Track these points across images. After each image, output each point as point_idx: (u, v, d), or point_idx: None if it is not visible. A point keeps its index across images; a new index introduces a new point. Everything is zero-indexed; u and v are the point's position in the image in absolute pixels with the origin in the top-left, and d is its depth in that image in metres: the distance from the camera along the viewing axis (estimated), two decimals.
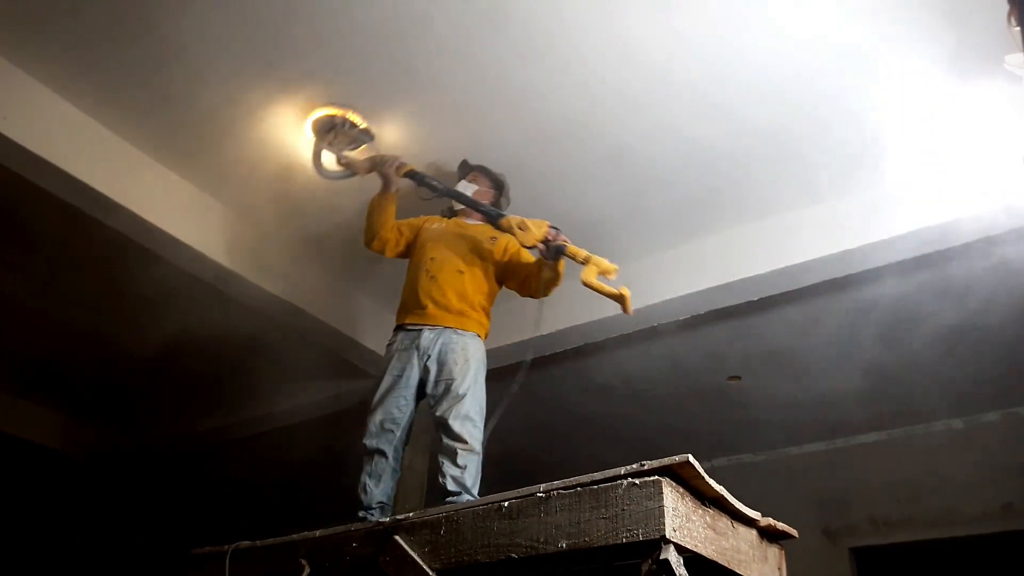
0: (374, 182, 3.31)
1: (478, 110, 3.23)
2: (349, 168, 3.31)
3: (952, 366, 4.63)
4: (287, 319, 4.24)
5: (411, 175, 3.25)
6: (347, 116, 3.22)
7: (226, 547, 2.60)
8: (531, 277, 3.04)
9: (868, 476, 5.39)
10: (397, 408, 2.93)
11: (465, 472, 2.71)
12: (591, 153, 3.40)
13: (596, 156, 3.42)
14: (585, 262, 2.75)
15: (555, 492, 1.90)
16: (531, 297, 3.09)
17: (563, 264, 2.92)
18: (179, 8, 2.86)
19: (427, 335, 2.97)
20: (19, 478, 6.02)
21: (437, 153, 3.43)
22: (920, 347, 4.47)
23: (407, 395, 2.94)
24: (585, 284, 2.73)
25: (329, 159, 3.33)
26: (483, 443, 2.81)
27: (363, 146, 3.33)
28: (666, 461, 1.78)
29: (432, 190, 3.23)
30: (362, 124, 3.26)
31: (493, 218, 3.09)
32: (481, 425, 2.83)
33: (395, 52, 2.98)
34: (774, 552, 2.19)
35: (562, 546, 1.82)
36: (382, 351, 4.49)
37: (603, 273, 2.72)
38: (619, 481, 1.80)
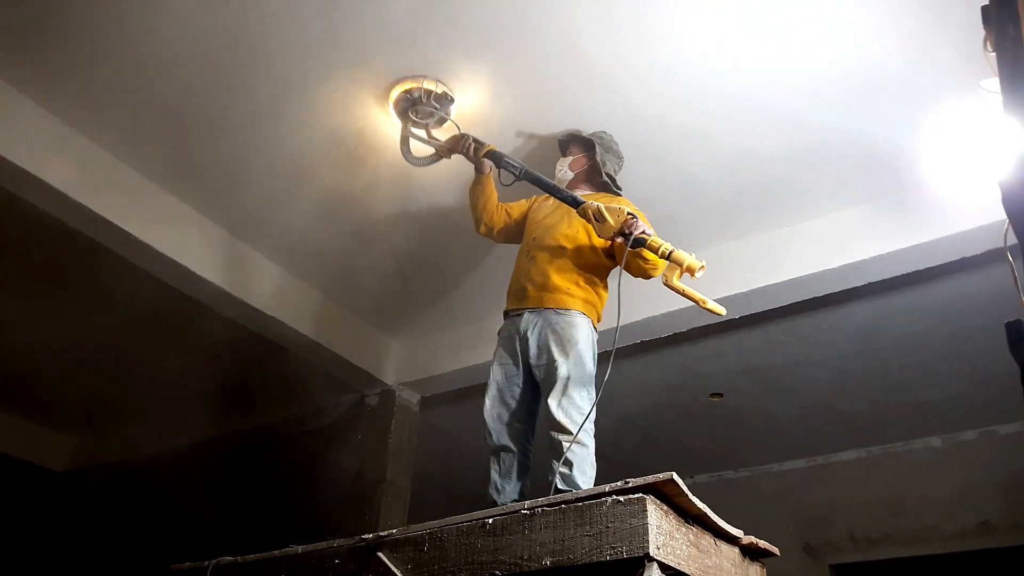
0: (387, 203, 3.47)
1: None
2: (434, 149, 3.18)
3: (930, 385, 4.69)
4: (272, 334, 4.23)
5: (490, 155, 3.05)
6: (423, 86, 3.01)
7: (207, 563, 2.57)
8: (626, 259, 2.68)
9: (848, 493, 5.44)
10: (513, 398, 2.78)
11: (574, 469, 2.50)
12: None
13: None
14: (667, 257, 2.48)
15: (539, 509, 1.90)
16: (642, 277, 2.74)
17: (655, 256, 2.56)
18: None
19: (527, 317, 2.79)
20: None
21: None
22: (899, 366, 4.52)
23: (519, 383, 2.79)
24: (666, 285, 2.49)
25: (416, 144, 3.18)
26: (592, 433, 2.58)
27: (447, 122, 3.14)
28: (650, 479, 1.78)
29: (512, 173, 3.00)
30: (439, 89, 3.03)
31: (573, 204, 2.77)
32: (589, 413, 2.58)
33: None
34: (755, 570, 2.21)
35: (546, 563, 1.81)
36: (368, 367, 4.54)
37: (687, 271, 2.45)
38: (603, 498, 1.80)
